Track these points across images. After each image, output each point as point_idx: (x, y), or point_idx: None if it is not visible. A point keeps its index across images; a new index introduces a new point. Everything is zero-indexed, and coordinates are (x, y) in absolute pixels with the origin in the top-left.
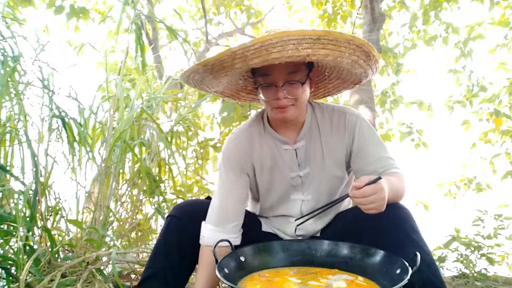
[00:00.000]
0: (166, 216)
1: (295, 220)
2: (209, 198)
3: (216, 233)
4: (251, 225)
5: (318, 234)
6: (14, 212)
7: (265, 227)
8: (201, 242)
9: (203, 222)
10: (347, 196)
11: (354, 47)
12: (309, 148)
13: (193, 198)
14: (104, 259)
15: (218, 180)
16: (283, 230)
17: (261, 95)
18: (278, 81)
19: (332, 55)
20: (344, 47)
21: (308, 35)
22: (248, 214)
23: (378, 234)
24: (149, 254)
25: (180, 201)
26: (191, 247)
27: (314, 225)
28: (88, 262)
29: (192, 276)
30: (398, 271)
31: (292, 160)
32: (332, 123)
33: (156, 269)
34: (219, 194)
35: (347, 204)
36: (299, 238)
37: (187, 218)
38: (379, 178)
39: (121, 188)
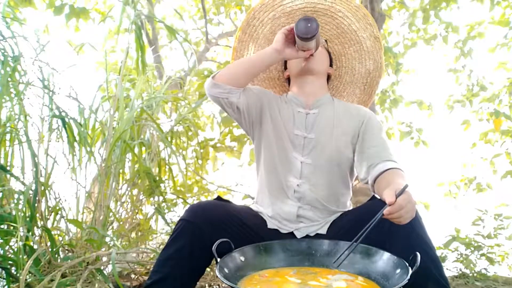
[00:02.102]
0: (178, 219)
1: (334, 262)
2: (219, 199)
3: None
4: (257, 224)
5: (323, 232)
6: (14, 212)
7: (270, 224)
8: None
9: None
10: (381, 215)
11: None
12: (319, 118)
13: (204, 199)
14: (104, 259)
15: None
16: (284, 191)
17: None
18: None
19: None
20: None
21: None
22: (253, 213)
23: (384, 229)
24: (149, 254)
25: (180, 201)
26: (203, 253)
27: (311, 192)
28: (88, 262)
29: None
30: (398, 271)
31: (300, 122)
32: (346, 110)
33: (165, 273)
34: None
35: (349, 205)
36: (299, 205)
37: (201, 223)
38: (406, 186)
39: (121, 188)
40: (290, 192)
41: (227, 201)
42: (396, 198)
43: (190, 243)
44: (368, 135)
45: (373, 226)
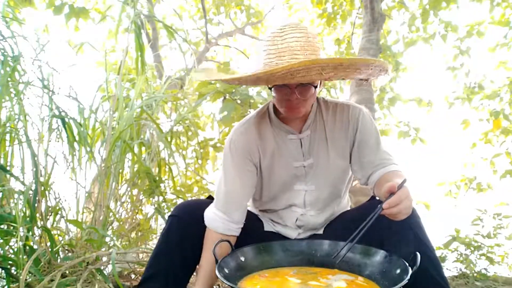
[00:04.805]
0: (168, 216)
1: (333, 257)
2: (210, 198)
3: (225, 221)
4: (253, 226)
5: (320, 232)
6: (14, 212)
7: (267, 227)
8: (207, 224)
9: (211, 205)
10: (381, 209)
11: (373, 67)
12: (313, 138)
13: (194, 198)
14: (104, 259)
15: (223, 167)
16: (284, 221)
17: (273, 94)
18: (291, 83)
19: (352, 75)
20: (363, 67)
21: (332, 63)
22: (250, 215)
23: (383, 230)
24: (149, 254)
25: (180, 201)
26: (192, 247)
27: (316, 218)
28: (88, 262)
29: (193, 276)
30: (398, 271)
31: (296, 150)
32: (336, 116)
33: (157, 269)
34: (225, 180)
35: (346, 204)
36: (300, 232)
37: (189, 218)
38: (405, 180)
39: (121, 188)
40: (291, 221)
41: None
42: (397, 189)
43: (180, 238)
44: (364, 142)
45: (372, 225)
